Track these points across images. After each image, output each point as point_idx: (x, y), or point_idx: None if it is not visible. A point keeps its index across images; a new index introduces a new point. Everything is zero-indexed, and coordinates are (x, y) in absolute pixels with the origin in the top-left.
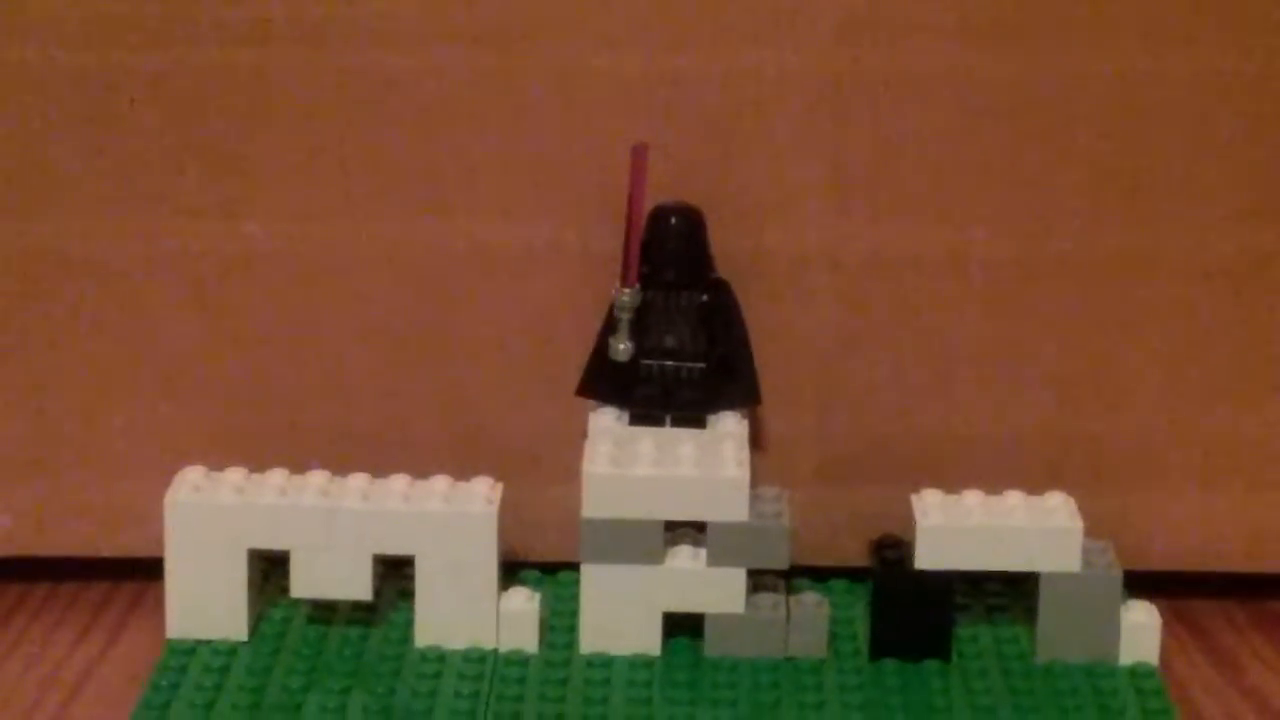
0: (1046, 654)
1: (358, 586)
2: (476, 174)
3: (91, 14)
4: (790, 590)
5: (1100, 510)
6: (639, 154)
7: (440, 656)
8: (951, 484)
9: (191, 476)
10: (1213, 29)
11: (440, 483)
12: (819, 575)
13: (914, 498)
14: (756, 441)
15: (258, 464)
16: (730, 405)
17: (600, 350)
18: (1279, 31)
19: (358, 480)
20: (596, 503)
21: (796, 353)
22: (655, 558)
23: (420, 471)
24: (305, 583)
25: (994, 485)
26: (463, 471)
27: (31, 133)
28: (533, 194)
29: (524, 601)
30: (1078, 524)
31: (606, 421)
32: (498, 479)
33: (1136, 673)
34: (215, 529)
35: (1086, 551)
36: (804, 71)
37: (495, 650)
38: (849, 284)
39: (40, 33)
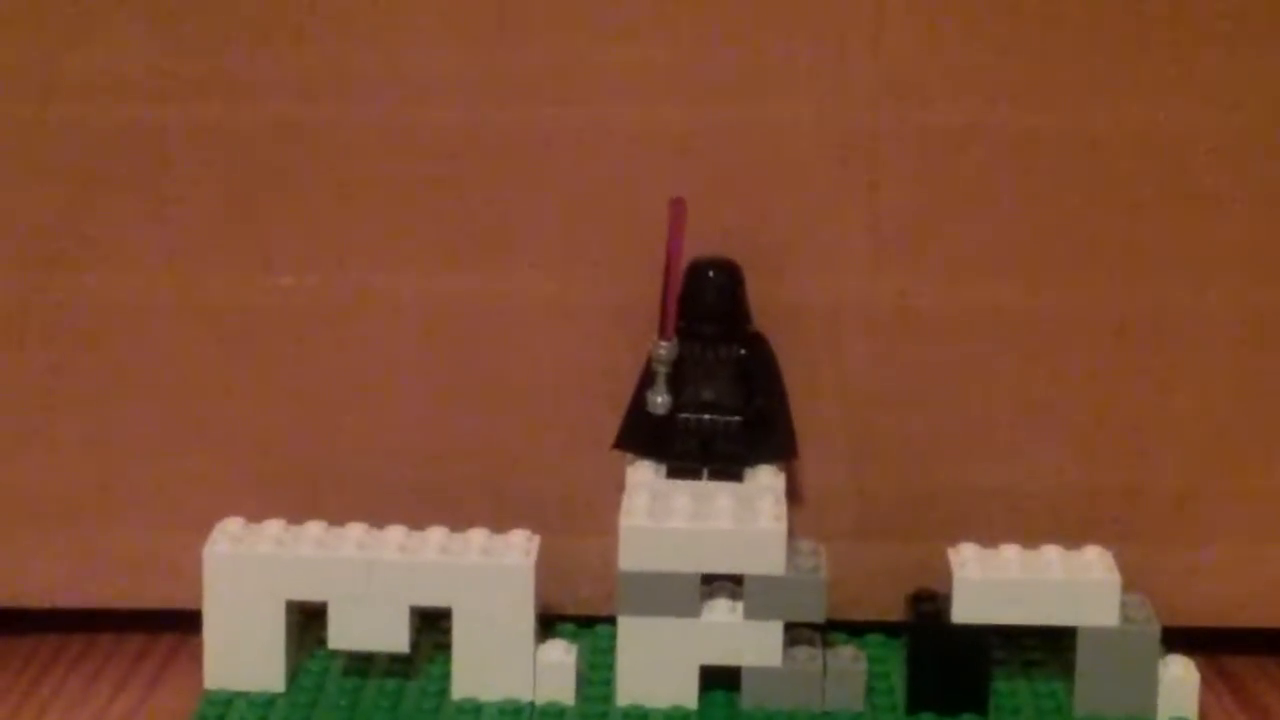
0: (1084, 709)
1: (395, 638)
2: (514, 227)
3: (131, 70)
4: (827, 644)
5: (1138, 564)
6: (677, 208)
7: (477, 709)
8: (988, 538)
9: (230, 528)
10: (1248, 86)
11: (478, 535)
12: (855, 629)
13: (951, 551)
14: (793, 495)
15: (296, 516)
16: (767, 459)
17: (637, 404)
18: None
19: (395, 532)
20: (633, 555)
21: (833, 406)
22: (692, 610)
23: (458, 524)
24: (342, 634)
25: (1031, 539)
26: (500, 524)
27: (73, 186)
28: (570, 247)
29: (561, 654)
30: (1115, 578)
31: (643, 475)
32: (535, 532)
33: None
34: (253, 580)
35: (1124, 606)
36: (840, 126)
37: (532, 703)
38: (885, 337)
39: (82, 89)
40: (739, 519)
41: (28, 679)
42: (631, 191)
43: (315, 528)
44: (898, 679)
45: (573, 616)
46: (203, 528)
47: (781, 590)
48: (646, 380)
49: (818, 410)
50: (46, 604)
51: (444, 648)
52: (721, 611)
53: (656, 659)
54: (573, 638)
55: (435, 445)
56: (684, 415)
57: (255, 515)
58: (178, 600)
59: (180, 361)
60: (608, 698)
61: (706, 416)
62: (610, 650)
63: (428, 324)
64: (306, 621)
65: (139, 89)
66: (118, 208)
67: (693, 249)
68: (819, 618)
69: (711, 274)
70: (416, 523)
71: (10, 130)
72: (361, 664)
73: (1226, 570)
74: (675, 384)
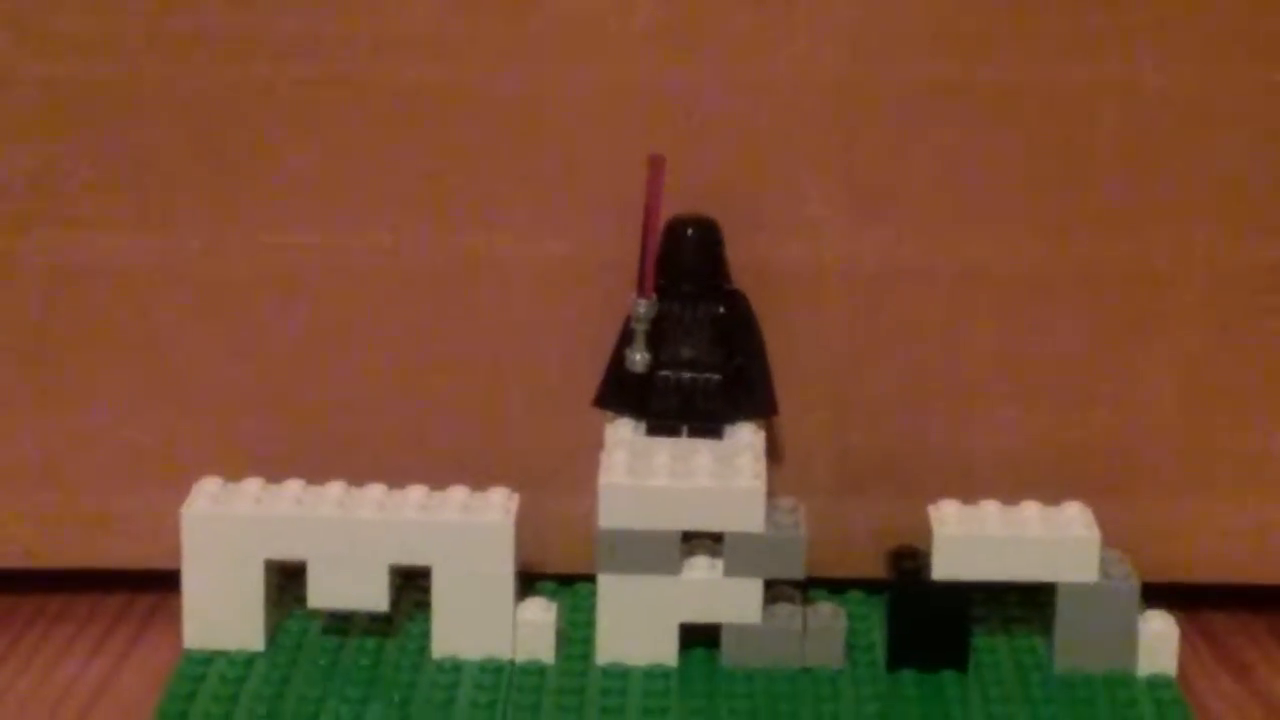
0: (1064, 664)
1: (374, 597)
2: (493, 185)
3: (107, 28)
4: (807, 601)
5: (1118, 521)
6: (656, 165)
7: (457, 667)
8: (968, 494)
9: (208, 487)
10: (1230, 42)
11: (457, 493)
12: (836, 586)
13: (931, 508)
14: (773, 452)
15: (275, 475)
16: (747, 416)
17: (617, 362)
18: None
19: (375, 491)
20: (613, 513)
21: (813, 364)
22: (672, 568)
23: (437, 482)
24: (322, 593)
25: (1011, 496)
26: (479, 482)
27: (47, 145)
28: (549, 205)
29: (541, 612)
30: (1095, 534)
31: (623, 433)
32: (514, 490)
33: (1154, 683)
34: (232, 540)
35: (1104, 562)
36: (819, 83)
37: (512, 661)
38: (865, 295)
39: (57, 47)
40: (719, 476)
41: (5, 640)
42: (610, 149)
43: (294, 486)
44: (878, 636)
45: (553, 575)
46: (181, 487)
47: (761, 548)
48: (625, 338)
49: (797, 368)
50: (25, 564)
51: (424, 606)
52: (701, 569)
53: (636, 617)
54: (552, 596)
55: (415, 404)
56: (663, 373)
57: (234, 474)
58: (157, 560)
59: (157, 320)
60: (587, 656)
61: (686, 374)
62: (590, 608)
63: (407, 283)
64: (286, 581)
65: (114, 47)
66: (93, 167)
67: (671, 207)
68: (799, 575)
69: (690, 232)
70: (396, 481)
71: None
72: (341, 623)
73: (1206, 526)
74: (654, 342)
